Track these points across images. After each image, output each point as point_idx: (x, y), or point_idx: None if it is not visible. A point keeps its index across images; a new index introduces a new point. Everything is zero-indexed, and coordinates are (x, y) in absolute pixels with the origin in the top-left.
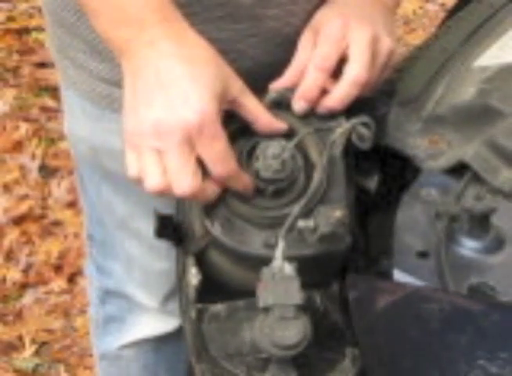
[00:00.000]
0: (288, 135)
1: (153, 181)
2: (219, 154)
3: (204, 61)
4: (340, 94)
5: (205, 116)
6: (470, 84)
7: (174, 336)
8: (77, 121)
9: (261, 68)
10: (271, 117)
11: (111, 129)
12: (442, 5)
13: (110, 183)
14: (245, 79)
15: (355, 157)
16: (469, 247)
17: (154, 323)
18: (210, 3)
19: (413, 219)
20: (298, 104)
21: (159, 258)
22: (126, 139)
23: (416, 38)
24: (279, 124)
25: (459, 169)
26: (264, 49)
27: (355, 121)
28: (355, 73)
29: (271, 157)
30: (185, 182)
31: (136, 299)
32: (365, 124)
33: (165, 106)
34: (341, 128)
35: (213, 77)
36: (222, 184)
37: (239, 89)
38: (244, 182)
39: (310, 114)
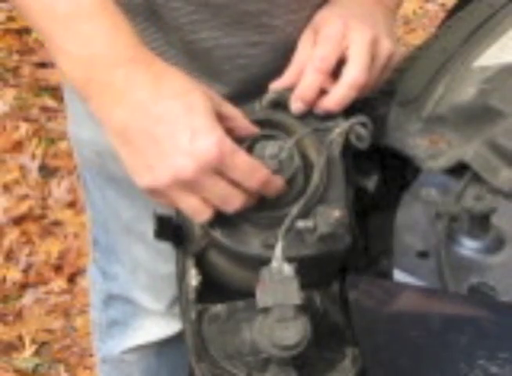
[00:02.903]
0: (287, 135)
1: (203, 216)
2: (246, 168)
3: (187, 89)
4: (338, 96)
5: (218, 140)
6: (470, 84)
7: (176, 340)
8: (82, 125)
9: (268, 74)
10: (247, 121)
11: None
12: (442, 5)
13: (115, 187)
14: (251, 85)
15: (355, 157)
16: (469, 247)
17: (158, 326)
18: (218, 10)
19: (413, 219)
20: (295, 105)
21: (165, 261)
22: (149, 193)
23: (416, 38)
24: (254, 128)
25: (459, 169)
26: (271, 56)
27: (352, 120)
28: (354, 75)
29: (268, 157)
30: (233, 202)
31: (141, 303)
32: (362, 124)
33: (178, 151)
34: (339, 128)
35: (202, 99)
36: (258, 195)
37: (217, 99)
38: (278, 185)
39: (308, 114)
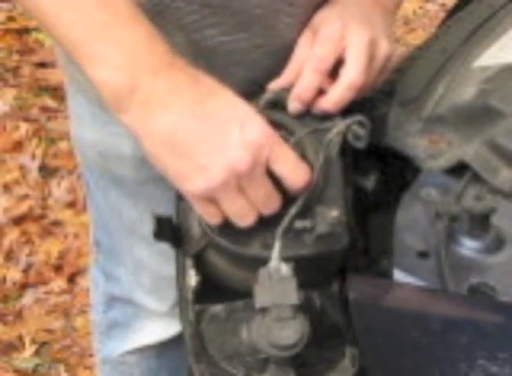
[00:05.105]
0: (285, 135)
1: (248, 220)
2: (292, 162)
3: (222, 86)
4: (335, 97)
5: (266, 129)
6: (470, 84)
7: (177, 341)
8: (86, 127)
9: (273, 75)
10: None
11: (120, 133)
12: (442, 5)
13: (118, 188)
14: (256, 86)
15: (353, 157)
16: (469, 247)
17: (159, 328)
18: (221, 10)
19: (413, 219)
20: (293, 105)
21: (168, 262)
22: (194, 199)
23: (416, 38)
24: None
25: (459, 169)
26: (276, 60)
27: (350, 120)
28: (351, 76)
29: None
30: (274, 205)
31: (144, 305)
32: (360, 123)
33: (231, 145)
34: (337, 128)
35: (236, 94)
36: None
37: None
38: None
39: (306, 114)
